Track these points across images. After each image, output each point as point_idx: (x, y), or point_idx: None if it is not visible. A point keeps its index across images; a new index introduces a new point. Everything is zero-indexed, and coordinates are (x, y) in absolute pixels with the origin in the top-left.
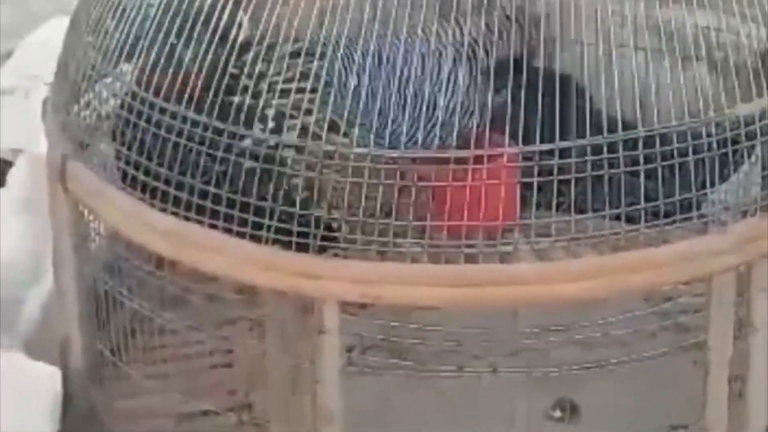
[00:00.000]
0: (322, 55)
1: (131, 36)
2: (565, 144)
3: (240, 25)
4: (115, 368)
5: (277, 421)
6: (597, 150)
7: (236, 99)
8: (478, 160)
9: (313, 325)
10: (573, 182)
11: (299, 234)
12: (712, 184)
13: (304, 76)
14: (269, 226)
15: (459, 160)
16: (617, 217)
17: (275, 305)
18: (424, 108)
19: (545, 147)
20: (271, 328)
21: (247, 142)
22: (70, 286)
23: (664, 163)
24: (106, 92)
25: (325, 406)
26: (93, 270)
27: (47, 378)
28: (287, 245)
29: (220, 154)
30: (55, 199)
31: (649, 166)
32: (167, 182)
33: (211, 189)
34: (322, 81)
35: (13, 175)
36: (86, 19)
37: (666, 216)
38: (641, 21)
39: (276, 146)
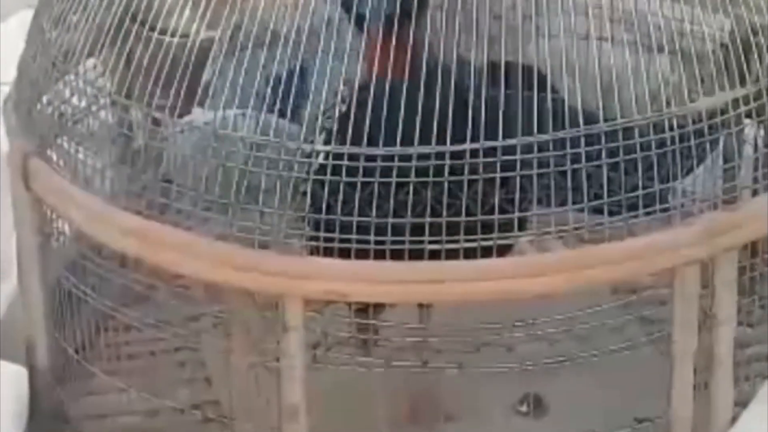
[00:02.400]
0: None
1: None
2: (527, 140)
3: None
4: (81, 366)
5: (242, 418)
6: (561, 144)
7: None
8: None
9: (278, 323)
10: (535, 177)
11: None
12: (676, 177)
13: None
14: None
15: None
16: (583, 211)
17: (239, 303)
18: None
19: (507, 143)
20: (235, 326)
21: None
22: (35, 284)
23: (627, 157)
24: (69, 90)
25: (290, 402)
26: (57, 268)
27: (13, 377)
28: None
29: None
30: (17, 197)
31: (612, 160)
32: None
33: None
34: None
35: None
36: (48, 14)
37: (632, 209)
38: (605, 12)
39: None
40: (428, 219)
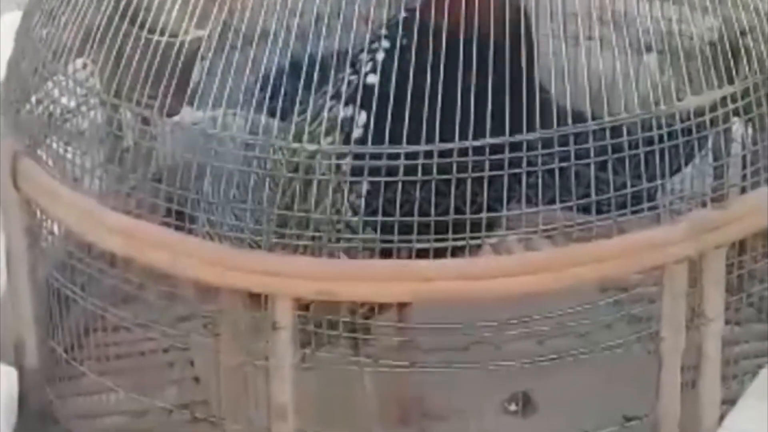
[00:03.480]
0: None
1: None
2: (515, 138)
3: None
4: (70, 367)
5: (230, 418)
6: (549, 142)
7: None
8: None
9: (267, 322)
10: (525, 175)
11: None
12: (664, 176)
13: None
14: None
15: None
16: (572, 209)
17: (229, 302)
18: None
19: (495, 141)
20: (224, 325)
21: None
22: (24, 285)
23: (616, 156)
24: (58, 90)
25: (279, 402)
26: (46, 268)
27: (2, 377)
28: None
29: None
30: (6, 197)
31: (601, 158)
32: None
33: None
34: None
35: None
36: (37, 14)
37: (621, 207)
38: (594, 12)
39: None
40: (416, 218)
